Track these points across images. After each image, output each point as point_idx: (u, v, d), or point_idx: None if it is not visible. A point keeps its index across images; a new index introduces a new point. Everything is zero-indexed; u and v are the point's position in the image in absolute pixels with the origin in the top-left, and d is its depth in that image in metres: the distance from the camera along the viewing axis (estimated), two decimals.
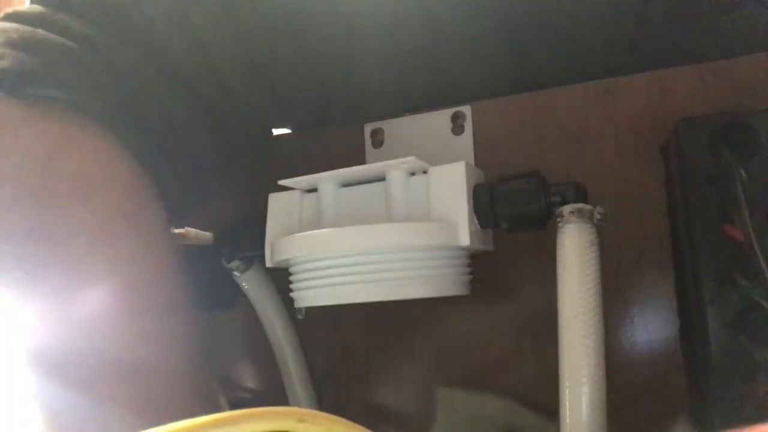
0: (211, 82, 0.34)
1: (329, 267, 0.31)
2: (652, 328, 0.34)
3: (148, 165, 0.32)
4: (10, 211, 0.28)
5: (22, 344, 0.28)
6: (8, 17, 0.30)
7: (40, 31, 0.29)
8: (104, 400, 0.28)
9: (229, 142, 0.37)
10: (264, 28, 0.35)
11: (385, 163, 0.32)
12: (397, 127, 0.42)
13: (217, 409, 0.36)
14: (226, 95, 0.35)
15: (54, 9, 0.31)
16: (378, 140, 0.42)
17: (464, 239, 0.31)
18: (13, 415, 0.28)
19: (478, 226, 0.32)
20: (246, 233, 0.38)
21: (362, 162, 0.42)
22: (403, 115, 0.41)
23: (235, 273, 0.40)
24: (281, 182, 0.34)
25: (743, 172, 0.29)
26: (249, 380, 0.46)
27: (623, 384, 0.34)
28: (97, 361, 0.28)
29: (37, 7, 0.31)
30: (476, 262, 0.34)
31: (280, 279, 0.37)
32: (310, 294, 0.32)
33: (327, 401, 0.43)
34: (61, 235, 0.28)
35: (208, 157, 0.36)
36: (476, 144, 0.39)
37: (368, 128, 0.42)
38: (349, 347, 0.43)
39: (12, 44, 0.29)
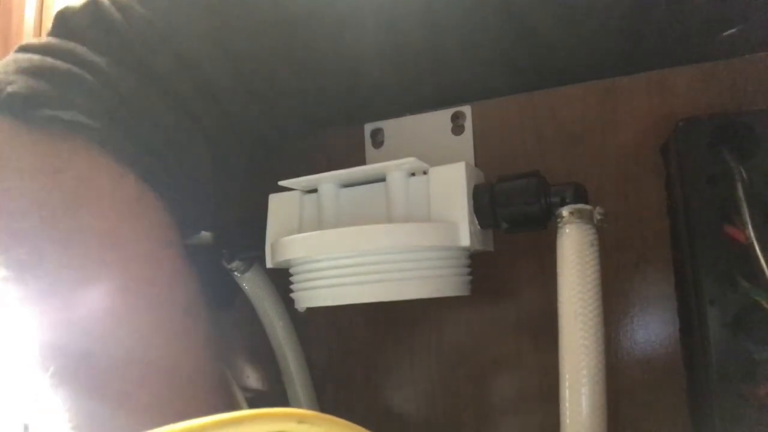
0: (210, 105, 0.35)
1: (330, 268, 0.31)
2: (652, 328, 0.34)
3: (150, 182, 0.33)
4: (22, 218, 0.29)
5: (40, 346, 0.29)
6: (21, 49, 0.33)
7: (48, 59, 0.31)
8: (124, 399, 0.28)
9: (227, 160, 0.38)
10: (260, 43, 0.35)
11: (385, 163, 0.32)
12: (397, 127, 0.42)
13: (235, 403, 0.36)
14: (224, 118, 0.36)
15: (63, 40, 0.33)
16: (378, 140, 0.42)
17: (464, 240, 0.31)
18: (32, 417, 0.29)
19: (478, 227, 0.32)
20: (246, 234, 0.38)
21: (362, 162, 0.42)
22: (403, 115, 0.41)
23: (236, 273, 0.40)
24: (281, 183, 0.34)
25: (743, 172, 0.29)
26: (249, 380, 0.46)
27: (623, 384, 0.34)
28: (115, 359, 0.29)
29: (48, 39, 0.33)
30: (476, 262, 0.34)
31: (280, 279, 0.37)
32: (310, 294, 0.32)
33: (327, 401, 0.43)
34: (73, 239, 0.29)
35: (208, 175, 0.37)
36: (476, 144, 0.39)
37: (368, 128, 0.42)
38: (349, 347, 0.43)
39: (22, 71, 0.31)
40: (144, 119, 0.33)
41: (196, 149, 0.35)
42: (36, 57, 0.31)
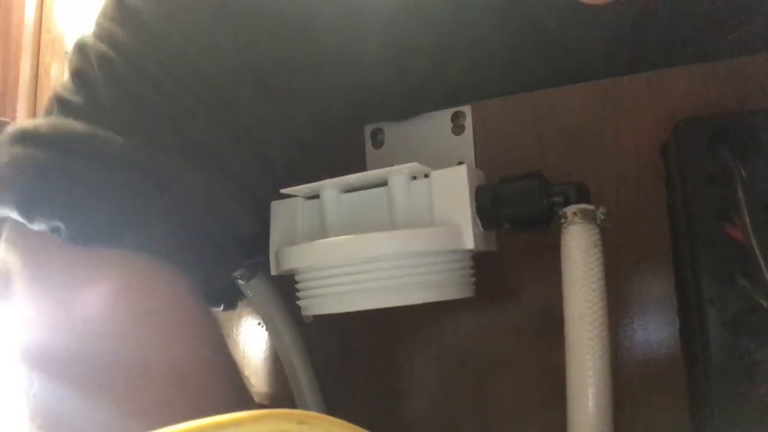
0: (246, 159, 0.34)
1: (335, 275, 0.31)
2: (652, 328, 0.34)
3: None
4: None
5: (33, 348, 0.29)
6: (34, 142, 0.30)
7: (87, 176, 0.29)
8: (117, 402, 0.28)
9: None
10: (274, 52, 0.35)
11: (386, 169, 0.32)
12: (397, 128, 0.42)
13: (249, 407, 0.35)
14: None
15: (92, 126, 0.30)
16: (378, 141, 0.42)
17: (468, 242, 0.31)
18: (23, 420, 0.28)
19: (482, 229, 0.32)
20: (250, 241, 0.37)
21: (363, 162, 0.42)
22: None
23: (240, 281, 0.39)
24: (283, 190, 0.34)
25: (743, 172, 0.29)
26: (249, 381, 0.46)
27: (623, 384, 0.34)
28: (108, 362, 0.29)
29: (76, 128, 0.30)
30: (479, 263, 0.34)
31: (284, 281, 0.37)
32: (317, 302, 0.32)
33: (326, 402, 0.43)
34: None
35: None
36: (476, 144, 0.39)
37: (368, 128, 0.42)
38: (350, 348, 0.43)
39: (58, 191, 0.29)
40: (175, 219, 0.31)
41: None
42: (75, 168, 0.29)
